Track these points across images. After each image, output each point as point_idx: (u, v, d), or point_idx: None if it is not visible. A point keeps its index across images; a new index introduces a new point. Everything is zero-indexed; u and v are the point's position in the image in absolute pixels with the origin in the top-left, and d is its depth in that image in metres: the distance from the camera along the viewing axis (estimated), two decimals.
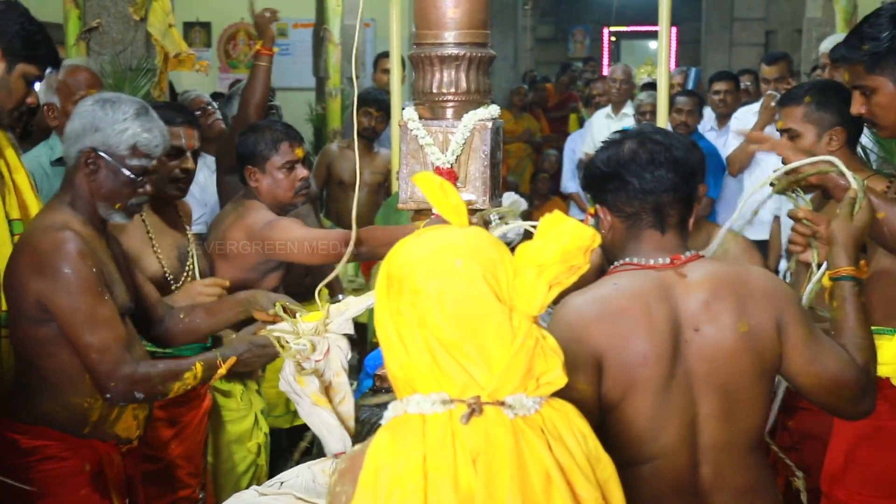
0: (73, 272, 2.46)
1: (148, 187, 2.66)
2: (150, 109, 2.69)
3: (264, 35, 4.36)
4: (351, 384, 5.24)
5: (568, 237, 1.55)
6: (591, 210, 2.51)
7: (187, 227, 3.42)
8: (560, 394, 1.61)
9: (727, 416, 2.15)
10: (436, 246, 1.59)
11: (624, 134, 2.31)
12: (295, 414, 4.64)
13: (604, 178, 2.26)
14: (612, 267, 2.28)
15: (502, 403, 1.54)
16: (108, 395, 2.49)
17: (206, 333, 3.02)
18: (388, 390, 3.26)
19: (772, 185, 2.62)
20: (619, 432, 2.10)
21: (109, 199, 2.61)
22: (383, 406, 3.18)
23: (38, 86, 3.81)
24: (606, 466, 1.62)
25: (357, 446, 1.66)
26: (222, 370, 2.64)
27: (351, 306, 2.70)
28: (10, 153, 2.97)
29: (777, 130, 3.21)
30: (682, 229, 2.26)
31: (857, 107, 2.71)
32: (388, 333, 1.60)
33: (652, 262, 2.20)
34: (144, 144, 2.60)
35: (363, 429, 3.15)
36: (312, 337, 2.62)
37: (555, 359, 1.58)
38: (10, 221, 2.97)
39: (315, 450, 2.96)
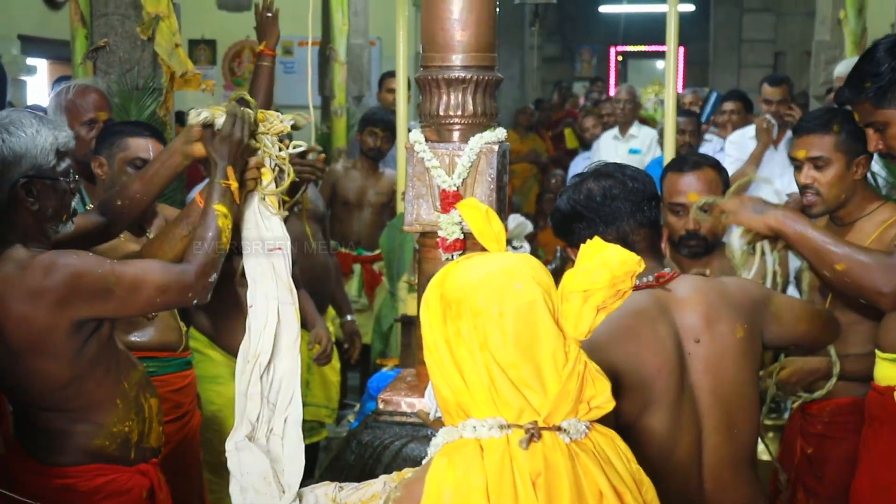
0: (82, 271, 2.35)
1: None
2: (35, 111, 2.51)
3: (268, 35, 4.29)
4: (354, 406, 5.27)
5: (616, 262, 1.62)
6: None
7: (148, 231, 3.38)
8: None
9: (729, 429, 2.25)
10: (494, 269, 1.65)
11: (582, 175, 2.43)
12: (315, 428, 4.67)
13: (567, 219, 2.37)
14: None
15: (559, 428, 1.61)
16: (196, 303, 2.48)
17: (147, 201, 2.75)
18: (392, 413, 3.28)
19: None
20: (637, 454, 2.15)
21: (57, 216, 2.47)
22: (384, 429, 3.22)
23: (46, 102, 3.86)
24: (649, 489, 1.71)
25: (410, 474, 1.72)
26: (229, 181, 2.45)
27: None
28: None
29: (794, 157, 3.15)
30: (654, 252, 2.38)
31: (874, 145, 2.75)
32: (441, 358, 1.65)
33: (638, 282, 2.27)
34: (63, 143, 2.45)
35: (366, 451, 3.17)
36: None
37: (603, 382, 1.66)
38: None
39: (318, 472, 2.97)
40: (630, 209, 2.31)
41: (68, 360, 2.42)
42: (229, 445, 2.52)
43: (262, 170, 2.59)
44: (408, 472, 2.52)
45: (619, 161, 2.69)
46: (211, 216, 2.46)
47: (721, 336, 2.26)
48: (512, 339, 1.60)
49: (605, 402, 1.66)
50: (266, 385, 2.56)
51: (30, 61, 8.52)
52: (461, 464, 1.59)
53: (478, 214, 1.71)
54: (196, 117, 2.57)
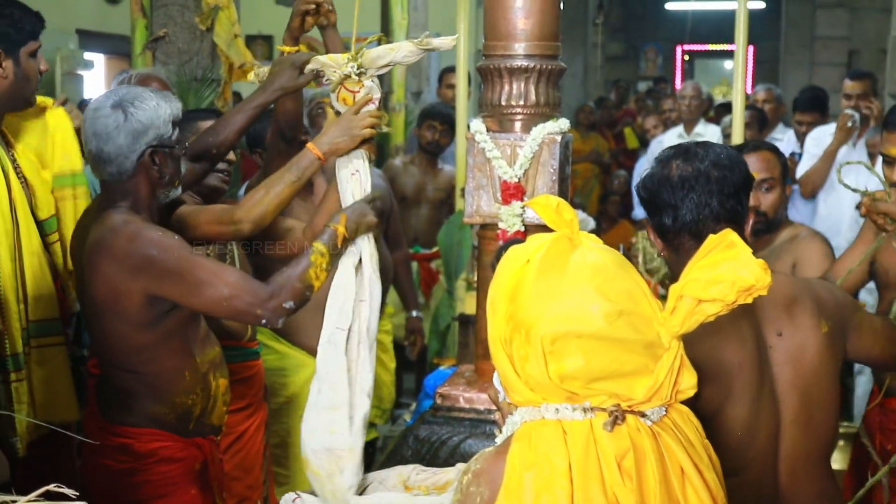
0: (163, 248, 2.51)
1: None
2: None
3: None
4: (409, 405, 5.27)
5: (744, 284, 1.62)
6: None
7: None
8: None
9: (808, 424, 2.27)
10: (566, 292, 1.64)
11: (667, 153, 2.33)
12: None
13: (645, 204, 2.32)
14: None
15: (642, 414, 1.65)
16: (264, 322, 2.56)
17: (234, 139, 2.98)
18: (450, 409, 3.30)
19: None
20: (717, 444, 2.16)
21: (171, 182, 2.67)
22: (441, 425, 3.23)
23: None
24: (716, 465, 1.76)
25: (490, 449, 1.74)
26: (341, 229, 2.61)
27: (383, 56, 2.76)
28: (29, 154, 3.06)
29: (886, 154, 3.11)
30: None
31: None
32: (508, 373, 1.67)
33: None
34: (177, 114, 2.66)
35: (422, 447, 3.19)
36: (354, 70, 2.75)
37: (691, 372, 1.70)
38: (40, 223, 3.07)
39: (375, 469, 2.99)
40: (709, 205, 2.22)
41: (142, 328, 2.59)
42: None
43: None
44: None
45: None
46: (307, 252, 2.57)
47: (804, 329, 2.27)
48: (593, 361, 1.62)
49: (688, 388, 1.70)
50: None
51: (87, 56, 8.67)
52: (543, 445, 1.62)
53: (548, 209, 1.73)
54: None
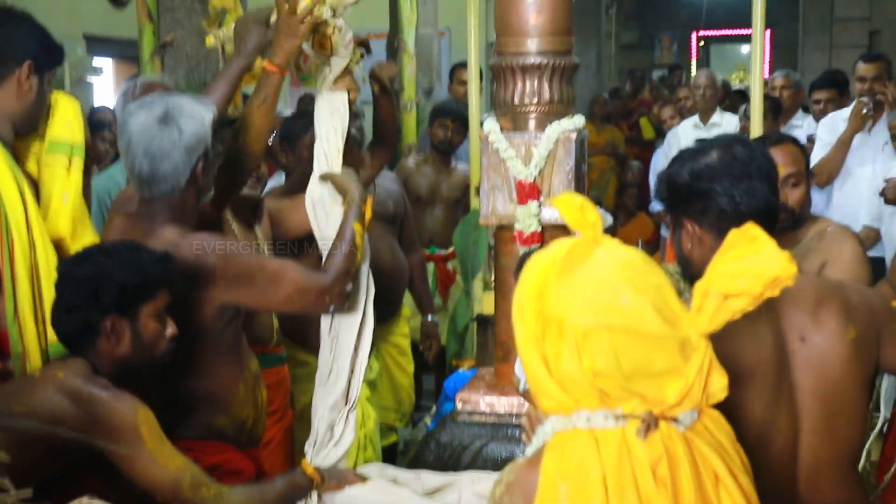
0: (230, 255, 2.53)
1: None
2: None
3: None
4: (429, 408, 5.28)
5: (771, 275, 1.61)
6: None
7: (256, 226, 3.46)
8: None
9: (829, 432, 2.22)
10: (596, 284, 1.64)
11: (706, 143, 2.31)
12: (384, 432, 4.69)
13: (692, 192, 2.26)
14: None
15: (674, 419, 1.65)
16: (332, 308, 2.64)
17: (228, 95, 2.91)
18: (471, 413, 3.30)
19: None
20: None
21: (209, 188, 2.67)
22: (463, 429, 3.24)
23: (113, 103, 3.95)
24: (748, 466, 1.75)
25: (521, 459, 1.75)
26: (369, 213, 2.68)
27: None
28: (58, 171, 3.04)
29: None
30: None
31: None
32: (539, 375, 1.67)
33: None
34: (214, 118, 2.63)
35: (444, 452, 3.20)
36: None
37: (721, 373, 1.68)
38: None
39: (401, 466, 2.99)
40: (765, 194, 2.22)
41: (209, 342, 2.61)
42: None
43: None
44: None
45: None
46: (349, 231, 2.62)
47: (829, 335, 2.22)
48: (624, 358, 1.61)
49: (719, 391, 1.68)
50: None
51: (96, 61, 8.71)
52: (577, 455, 1.63)
53: (571, 209, 1.72)
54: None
